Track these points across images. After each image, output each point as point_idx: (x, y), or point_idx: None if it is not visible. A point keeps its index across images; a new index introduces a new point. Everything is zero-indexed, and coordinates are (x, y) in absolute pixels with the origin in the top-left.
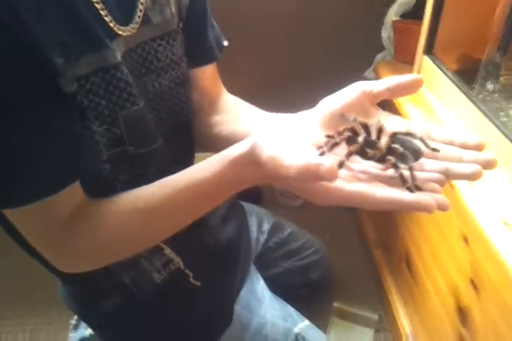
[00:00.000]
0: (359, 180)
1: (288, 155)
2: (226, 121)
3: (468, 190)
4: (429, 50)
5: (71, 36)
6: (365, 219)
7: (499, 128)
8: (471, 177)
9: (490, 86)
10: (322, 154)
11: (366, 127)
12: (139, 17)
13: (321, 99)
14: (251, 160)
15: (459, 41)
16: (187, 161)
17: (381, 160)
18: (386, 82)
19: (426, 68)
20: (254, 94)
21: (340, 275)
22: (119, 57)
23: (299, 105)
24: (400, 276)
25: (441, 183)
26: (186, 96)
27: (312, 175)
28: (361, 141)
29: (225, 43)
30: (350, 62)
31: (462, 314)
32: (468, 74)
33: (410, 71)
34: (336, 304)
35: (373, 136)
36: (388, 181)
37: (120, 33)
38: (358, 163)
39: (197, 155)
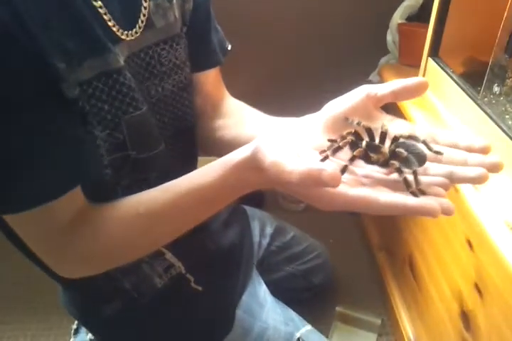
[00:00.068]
0: (362, 185)
1: (290, 160)
2: (229, 125)
3: (473, 194)
4: (434, 53)
5: (74, 41)
6: (369, 223)
7: (505, 132)
8: (477, 180)
9: (496, 88)
10: (325, 158)
11: (370, 131)
12: (142, 21)
13: (326, 102)
14: (253, 165)
15: (464, 44)
16: (190, 165)
17: (385, 164)
18: (391, 85)
19: (431, 71)
20: (257, 97)
21: (343, 280)
22: (121, 62)
23: (303, 109)
24: (404, 281)
25: (445, 187)
26: (189, 101)
27: (314, 181)
28: (364, 146)
29: (229, 47)
30: (354, 66)
31: (466, 318)
32: (473, 77)
33: (415, 74)
34: (338, 308)
35: (377, 140)
36: (392, 185)
37: (123, 37)
38: (361, 168)
39: (200, 159)
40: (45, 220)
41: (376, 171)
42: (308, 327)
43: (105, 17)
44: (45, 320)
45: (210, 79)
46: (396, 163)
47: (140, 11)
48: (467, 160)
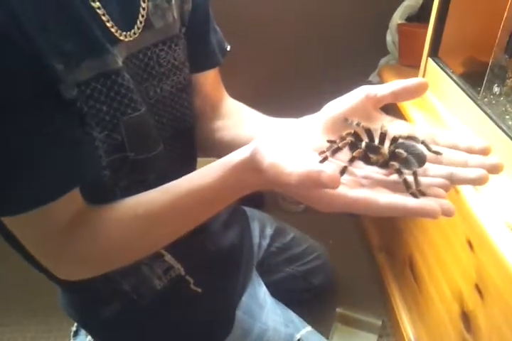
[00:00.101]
0: (362, 186)
1: (289, 162)
2: (228, 126)
3: (474, 195)
4: (434, 53)
5: (72, 42)
6: (369, 223)
7: (505, 132)
8: (477, 181)
9: (496, 89)
10: (324, 159)
11: (369, 132)
12: (140, 22)
13: (325, 103)
14: (252, 166)
15: (464, 44)
16: (189, 167)
17: (384, 165)
18: (390, 86)
19: (431, 71)
20: (256, 98)
21: (343, 281)
22: (120, 63)
23: (303, 110)
24: (404, 281)
25: (445, 188)
26: (188, 102)
27: (313, 183)
28: (364, 146)
29: (228, 48)
30: (354, 67)
31: (466, 319)
32: (473, 78)
33: (415, 74)
34: (338, 309)
35: (376, 141)
36: (391, 186)
37: (122, 38)
38: (361, 168)
39: (199, 160)
40: (43, 222)
41: (376, 172)
42: (309, 328)
43: (103, 18)
44: (45, 322)
45: (209, 80)
46: (396, 164)
47: (139, 11)
48: (467, 162)
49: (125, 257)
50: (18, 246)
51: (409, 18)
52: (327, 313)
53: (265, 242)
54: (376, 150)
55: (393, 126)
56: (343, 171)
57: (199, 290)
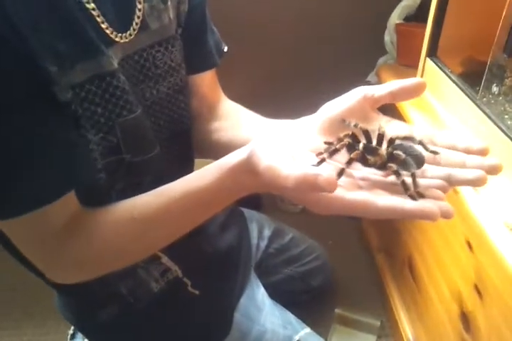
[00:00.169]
0: (359, 188)
1: (285, 165)
2: (225, 128)
3: (473, 195)
4: (432, 53)
5: (66, 44)
6: (368, 224)
7: (504, 132)
8: (476, 183)
9: (495, 88)
10: (322, 161)
11: (367, 133)
12: (136, 24)
13: (324, 103)
14: (248, 168)
15: (462, 43)
16: (186, 169)
17: (382, 167)
18: (388, 86)
19: (429, 71)
20: (254, 99)
21: (342, 281)
22: (115, 65)
23: (301, 110)
24: (403, 282)
25: (444, 190)
26: (185, 103)
27: (310, 186)
28: (361, 148)
29: (225, 49)
30: (352, 67)
31: (466, 320)
32: (472, 77)
33: (413, 74)
34: (337, 310)
35: (374, 142)
36: (389, 188)
37: (117, 39)
38: (359, 170)
39: (197, 161)
40: (39, 225)
41: (373, 173)
42: (307, 330)
43: (98, 19)
44: (42, 325)
45: (206, 81)
46: (394, 166)
47: (134, 13)
48: (465, 162)
49: (121, 260)
50: (12, 250)
51: (407, 18)
52: (326, 314)
53: (263, 243)
54: (374, 151)
55: (391, 127)
56: (341, 173)
57: (196, 292)
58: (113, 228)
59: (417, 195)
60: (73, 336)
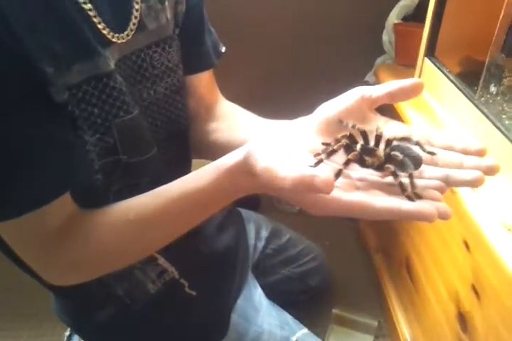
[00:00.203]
0: (357, 188)
1: (282, 166)
2: (223, 128)
3: (470, 195)
4: (430, 53)
5: (62, 45)
6: (365, 224)
7: (502, 132)
8: (473, 183)
9: (493, 88)
10: (319, 162)
11: (364, 134)
12: (133, 24)
13: (321, 104)
14: (245, 169)
15: (460, 43)
16: (183, 169)
17: (380, 168)
18: (386, 86)
19: (427, 71)
20: (252, 99)
21: (339, 282)
22: (112, 65)
23: (299, 110)
24: (400, 282)
25: (441, 190)
26: (182, 104)
27: (307, 187)
28: (359, 149)
29: (223, 49)
30: (351, 67)
31: (463, 320)
32: (470, 77)
33: (411, 74)
34: (335, 311)
35: (372, 143)
36: (387, 189)
37: (114, 40)
38: (356, 170)
39: (194, 161)
40: (35, 226)
41: (371, 174)
42: (305, 330)
43: (95, 20)
44: (38, 327)
45: (204, 81)
46: (391, 167)
47: (131, 13)
48: (463, 163)
49: (118, 261)
50: (7, 251)
51: (406, 18)
52: (323, 314)
53: (261, 244)
54: (371, 152)
55: (388, 127)
56: (338, 174)
57: (194, 293)
58: (110, 229)
59: (415, 195)
60: (69, 338)
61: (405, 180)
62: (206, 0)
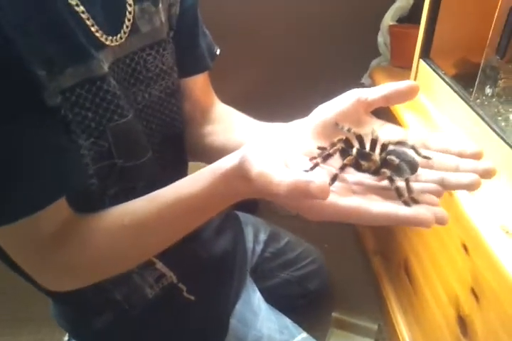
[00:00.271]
0: (353, 193)
1: (277, 171)
2: (218, 131)
3: (468, 198)
4: (425, 54)
5: (55, 48)
6: (363, 227)
7: (497, 133)
8: (469, 187)
9: (488, 90)
10: (315, 166)
11: (360, 138)
12: (127, 27)
13: (318, 105)
14: (241, 174)
15: (456, 45)
16: (179, 173)
17: (376, 172)
18: (381, 89)
19: (423, 72)
20: (248, 102)
21: (338, 285)
22: (105, 68)
23: (295, 113)
24: (399, 285)
25: (438, 194)
26: (178, 107)
27: (302, 193)
28: (355, 153)
29: (218, 51)
30: (346, 69)
31: (463, 323)
32: (465, 79)
33: (407, 76)
34: (334, 314)
35: (367, 147)
36: (383, 193)
37: (108, 43)
38: (352, 174)
39: (190, 164)
40: (29, 232)
41: (367, 178)
42: (304, 334)
43: (88, 22)
44: (36, 332)
45: (199, 84)
46: (387, 172)
47: (125, 16)
48: (459, 166)
49: (114, 267)
50: (3, 256)
51: (401, 20)
52: (323, 318)
53: (259, 248)
54: (367, 157)
55: (384, 131)
56: (334, 179)
57: (192, 298)
58: (105, 234)
59: (411, 200)
60: None
61: (401, 184)
62: (201, 2)
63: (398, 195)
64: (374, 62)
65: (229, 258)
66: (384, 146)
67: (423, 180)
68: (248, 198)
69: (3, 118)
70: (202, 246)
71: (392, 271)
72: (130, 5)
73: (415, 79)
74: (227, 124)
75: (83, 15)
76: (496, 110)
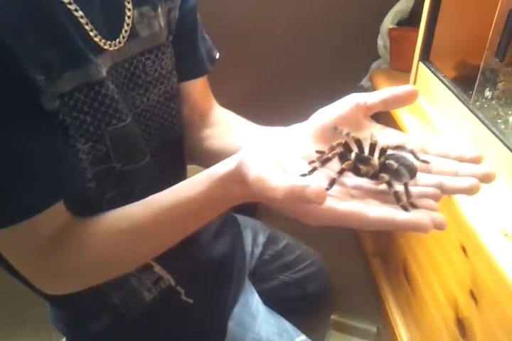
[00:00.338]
0: (352, 197)
1: (274, 175)
2: (216, 135)
3: (467, 200)
4: (425, 57)
5: (53, 52)
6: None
7: (497, 136)
8: (468, 191)
9: (488, 93)
10: (313, 170)
11: (359, 142)
12: (126, 31)
13: (318, 108)
14: (238, 178)
15: (455, 48)
16: (178, 176)
17: (374, 177)
18: (381, 94)
19: (422, 75)
20: (247, 106)
21: (337, 287)
22: (104, 73)
23: (295, 115)
24: (398, 287)
25: (436, 198)
26: (176, 111)
27: (299, 198)
28: (354, 158)
29: (217, 55)
30: (346, 71)
31: (462, 326)
32: (465, 81)
33: (406, 79)
34: (333, 316)
35: (366, 152)
36: (382, 197)
37: (106, 47)
38: (350, 178)
39: (189, 167)
40: (27, 235)
41: (366, 182)
42: (303, 337)
43: (86, 27)
44: (34, 335)
45: (198, 88)
46: (386, 176)
47: (124, 20)
48: (458, 171)
49: (111, 271)
50: (1, 260)
51: (400, 23)
52: (322, 320)
53: (258, 250)
54: (366, 161)
55: (383, 135)
56: (332, 184)
57: (190, 301)
58: (102, 238)
59: (410, 205)
60: None
61: (400, 187)
62: (200, 5)
63: (396, 199)
64: (374, 65)
65: (227, 262)
66: (383, 151)
67: (422, 184)
68: (247, 201)
69: (0, 121)
70: (200, 249)
71: (391, 273)
72: (129, 9)
73: (415, 82)
74: (226, 128)
75: (82, 20)
76: (495, 113)
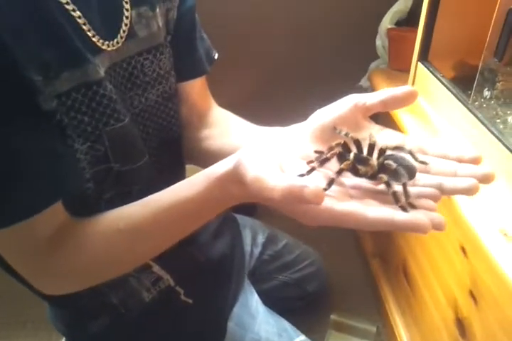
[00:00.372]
0: (350, 197)
1: (272, 175)
2: (215, 135)
3: (466, 200)
4: (423, 57)
5: (51, 53)
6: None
7: (496, 136)
8: (467, 191)
9: (487, 92)
10: (312, 170)
11: (358, 142)
12: (124, 31)
13: (317, 108)
14: (235, 178)
15: (454, 48)
16: (176, 176)
17: (373, 177)
18: (379, 94)
19: (421, 75)
20: (245, 106)
21: (337, 287)
22: (102, 73)
23: (294, 115)
24: (398, 287)
25: (435, 199)
26: (175, 111)
27: (296, 198)
28: (352, 158)
29: (216, 56)
30: (345, 71)
31: (461, 326)
32: (464, 81)
33: (405, 79)
34: (333, 316)
35: (365, 152)
36: (380, 197)
37: (104, 47)
38: (349, 178)
39: (188, 167)
40: (25, 235)
41: (365, 182)
42: (302, 337)
43: (84, 27)
44: (33, 335)
45: (196, 88)
46: (384, 177)
47: (122, 20)
48: (457, 171)
49: (110, 271)
50: None
51: (399, 23)
52: (321, 320)
53: (257, 250)
54: (365, 161)
55: (382, 135)
56: (330, 184)
57: (190, 301)
58: (101, 239)
59: (409, 205)
60: None
61: (398, 188)
62: (199, 5)
63: (395, 200)
64: (373, 65)
65: (227, 262)
66: (381, 151)
67: (421, 184)
68: (245, 201)
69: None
70: (199, 249)
71: (391, 273)
72: (127, 10)
73: (413, 82)
74: (224, 128)
75: (80, 20)
76: (494, 112)
